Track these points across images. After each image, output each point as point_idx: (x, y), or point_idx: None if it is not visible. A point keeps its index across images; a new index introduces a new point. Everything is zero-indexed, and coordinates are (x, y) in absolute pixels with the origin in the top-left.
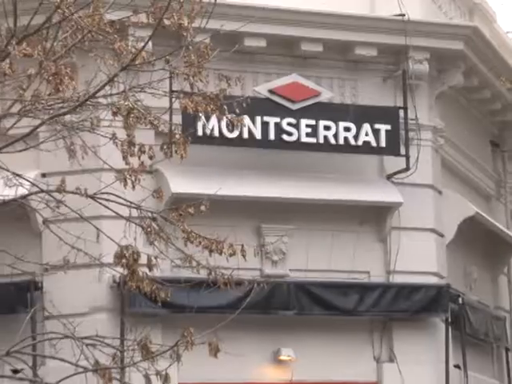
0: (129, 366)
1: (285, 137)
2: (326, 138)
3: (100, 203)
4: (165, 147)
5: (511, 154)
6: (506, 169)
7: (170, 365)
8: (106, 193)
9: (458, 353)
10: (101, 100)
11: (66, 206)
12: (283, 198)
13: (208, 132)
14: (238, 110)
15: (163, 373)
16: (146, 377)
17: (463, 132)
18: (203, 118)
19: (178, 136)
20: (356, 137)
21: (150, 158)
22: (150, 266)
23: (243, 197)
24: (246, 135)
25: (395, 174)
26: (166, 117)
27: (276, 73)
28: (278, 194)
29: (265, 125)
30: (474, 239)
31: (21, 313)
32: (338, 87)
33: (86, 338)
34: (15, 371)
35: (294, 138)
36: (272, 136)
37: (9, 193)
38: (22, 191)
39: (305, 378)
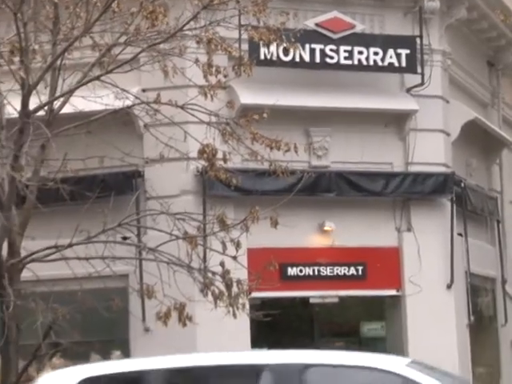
0: (209, 235)
1: (328, 60)
2: (359, 60)
3: (187, 112)
4: (235, 68)
5: (504, 71)
6: (499, 83)
7: (241, 234)
8: (192, 104)
9: (461, 224)
10: (187, 32)
11: (161, 113)
12: (326, 107)
13: (269, 56)
14: (292, 39)
15: (236, 240)
16: (223, 243)
17: (466, 55)
18: (265, 45)
19: (245, 59)
20: (383, 59)
21: (225, 76)
22: (225, 160)
23: (296, 106)
24: (297, 59)
25: (413, 87)
26: (237, 45)
27: (321, 10)
28: (322, 103)
29: (312, 50)
30: (474, 138)
31: (128, 195)
32: (369, 21)
33: (177, 213)
34: (125, 238)
35: (334, 61)
36: (318, 59)
37: (118, 104)
38: (127, 102)
39: (343, 244)
